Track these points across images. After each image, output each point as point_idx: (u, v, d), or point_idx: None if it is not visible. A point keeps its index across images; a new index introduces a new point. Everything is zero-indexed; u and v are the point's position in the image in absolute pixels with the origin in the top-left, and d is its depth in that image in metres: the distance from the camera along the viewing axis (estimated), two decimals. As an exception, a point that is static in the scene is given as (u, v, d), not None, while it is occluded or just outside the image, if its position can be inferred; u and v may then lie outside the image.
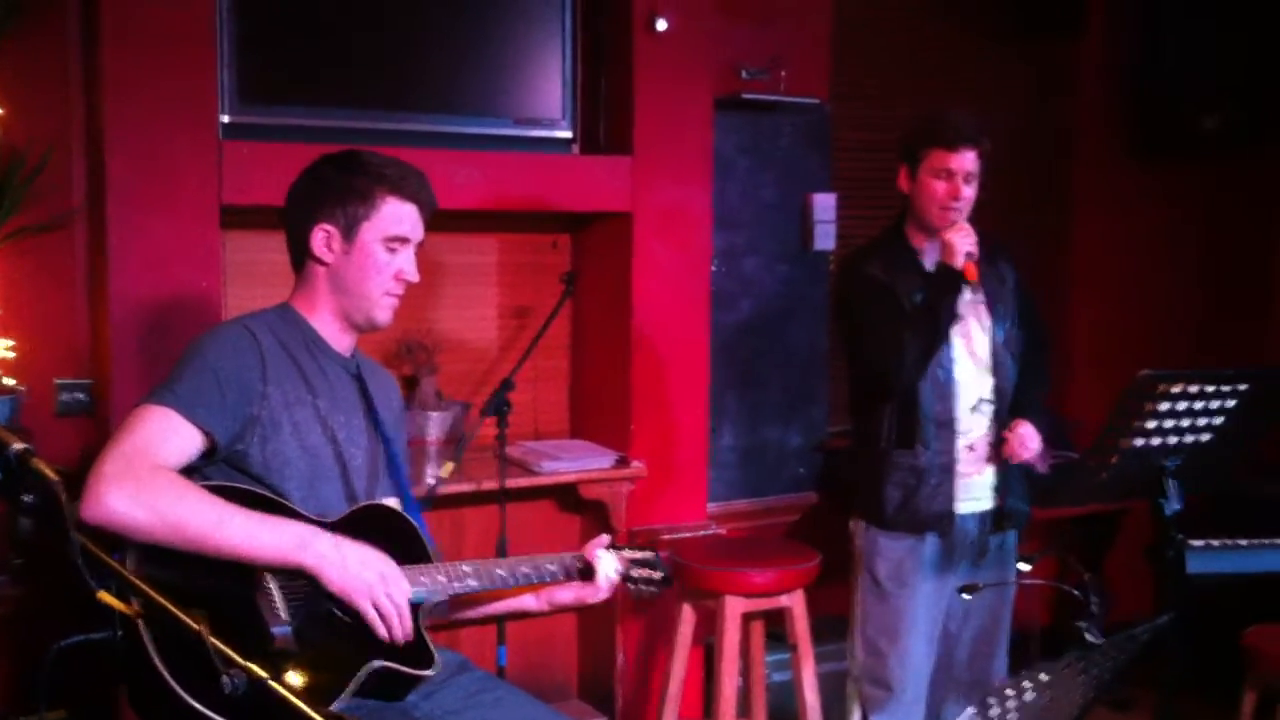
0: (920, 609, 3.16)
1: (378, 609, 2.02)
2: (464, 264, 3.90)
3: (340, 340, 2.29)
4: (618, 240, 3.82)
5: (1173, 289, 5.08)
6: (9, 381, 3.09)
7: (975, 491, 3.15)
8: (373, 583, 2.01)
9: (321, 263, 2.23)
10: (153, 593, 1.42)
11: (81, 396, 3.30)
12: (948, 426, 3.08)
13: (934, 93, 4.65)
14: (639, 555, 2.47)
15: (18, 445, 1.43)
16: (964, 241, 2.97)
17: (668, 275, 3.83)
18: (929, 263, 3.09)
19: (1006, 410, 3.12)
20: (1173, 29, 4.71)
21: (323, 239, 2.21)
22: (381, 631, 2.03)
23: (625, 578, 2.42)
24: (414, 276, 2.25)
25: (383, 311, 2.26)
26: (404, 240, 2.23)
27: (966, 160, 3.01)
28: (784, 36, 4.25)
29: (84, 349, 3.33)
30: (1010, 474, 3.15)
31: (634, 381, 3.81)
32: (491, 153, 3.58)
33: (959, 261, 2.95)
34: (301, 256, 2.26)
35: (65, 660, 1.68)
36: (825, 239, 4.29)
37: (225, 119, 3.23)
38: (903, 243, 3.15)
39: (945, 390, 3.07)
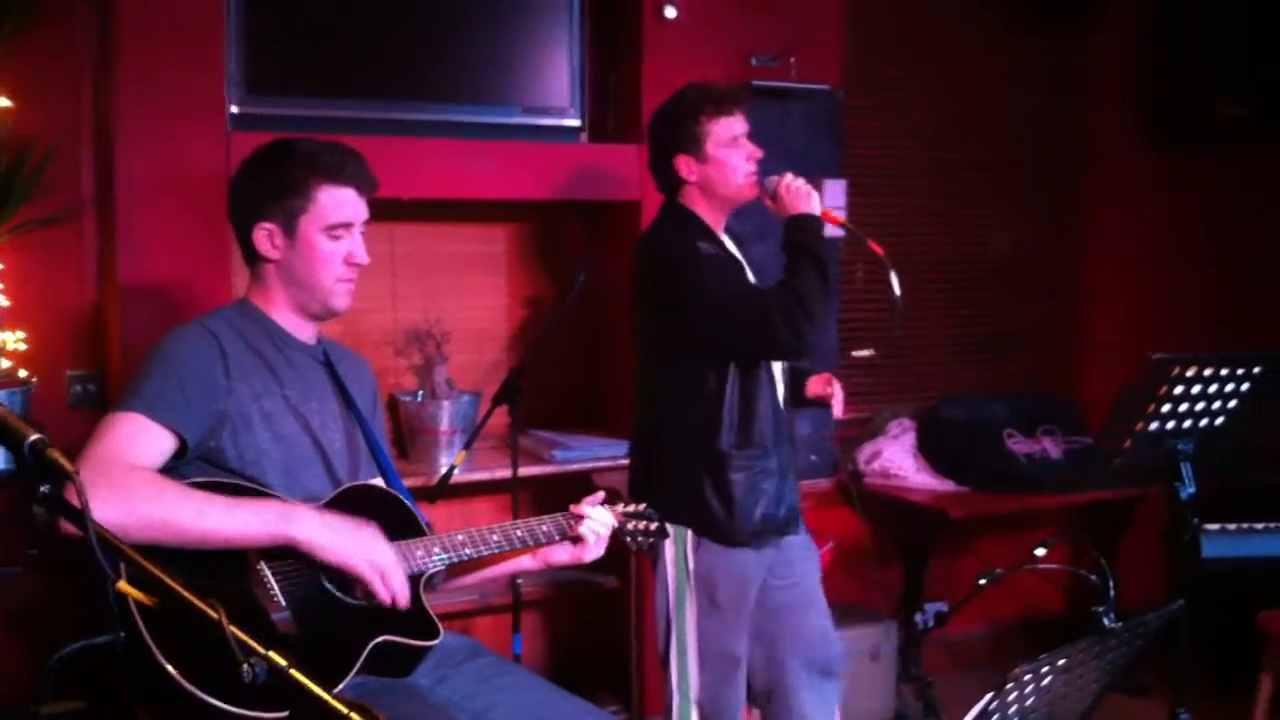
0: (746, 627, 2.82)
1: (376, 571, 2.01)
2: (474, 254, 3.90)
3: (302, 330, 2.28)
4: (627, 229, 3.80)
5: (1192, 277, 5.01)
6: (21, 373, 3.10)
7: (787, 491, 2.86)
8: (364, 546, 2.01)
9: (269, 260, 2.22)
10: (169, 580, 1.42)
11: (93, 388, 3.31)
12: (774, 420, 2.79)
13: (950, 81, 4.63)
14: (632, 509, 2.46)
15: (33, 436, 1.43)
16: (809, 186, 2.78)
17: (678, 263, 3.81)
18: (726, 239, 2.90)
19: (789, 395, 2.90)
20: (1191, 16, 4.67)
21: (265, 237, 2.20)
22: (383, 594, 2.02)
23: (620, 531, 2.41)
24: (364, 259, 2.23)
25: (339, 299, 2.25)
26: (346, 226, 2.21)
27: (745, 120, 2.84)
28: (794, 22, 4.22)
29: (95, 341, 3.33)
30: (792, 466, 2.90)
31: (645, 370, 3.79)
32: (500, 141, 3.56)
33: (816, 207, 2.76)
34: (250, 254, 2.25)
35: (79, 654, 1.67)
36: (835, 226, 4.26)
37: (234, 110, 3.23)
38: (700, 224, 2.84)
39: (771, 381, 2.80)
